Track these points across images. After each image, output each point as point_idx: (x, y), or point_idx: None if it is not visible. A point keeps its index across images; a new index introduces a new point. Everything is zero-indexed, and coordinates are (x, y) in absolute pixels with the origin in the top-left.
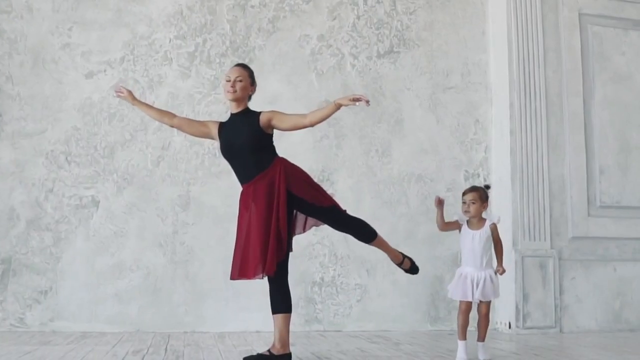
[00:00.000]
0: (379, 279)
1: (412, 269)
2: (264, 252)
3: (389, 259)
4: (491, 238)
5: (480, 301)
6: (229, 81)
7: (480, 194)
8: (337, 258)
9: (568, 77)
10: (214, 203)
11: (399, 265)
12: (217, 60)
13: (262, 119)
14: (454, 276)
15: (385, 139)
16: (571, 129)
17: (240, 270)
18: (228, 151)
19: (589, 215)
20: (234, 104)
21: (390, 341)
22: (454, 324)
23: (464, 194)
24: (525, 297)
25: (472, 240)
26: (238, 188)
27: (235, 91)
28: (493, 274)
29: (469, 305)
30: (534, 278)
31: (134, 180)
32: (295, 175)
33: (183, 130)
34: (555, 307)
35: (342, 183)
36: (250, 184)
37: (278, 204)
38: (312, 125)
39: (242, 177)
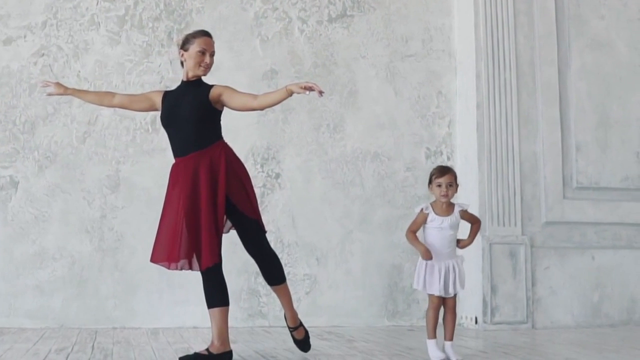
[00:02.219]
0: (330, 269)
1: (304, 343)
2: (212, 239)
3: (341, 246)
4: (458, 225)
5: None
6: (204, 54)
7: (456, 176)
8: (284, 245)
9: (541, 43)
10: (146, 184)
11: (292, 330)
12: (150, 25)
13: (214, 92)
14: (417, 266)
15: (337, 113)
16: (544, 101)
17: (170, 254)
18: (169, 119)
19: (564, 197)
20: (190, 73)
21: (343, 338)
22: (413, 319)
23: (437, 175)
24: (493, 289)
25: (442, 226)
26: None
27: (208, 67)
28: (459, 262)
29: (440, 299)
30: (503, 268)
31: (57, 158)
32: (236, 170)
33: (127, 109)
34: (527, 300)
35: (290, 162)
36: (185, 159)
37: (217, 190)
38: (260, 109)
39: (178, 150)
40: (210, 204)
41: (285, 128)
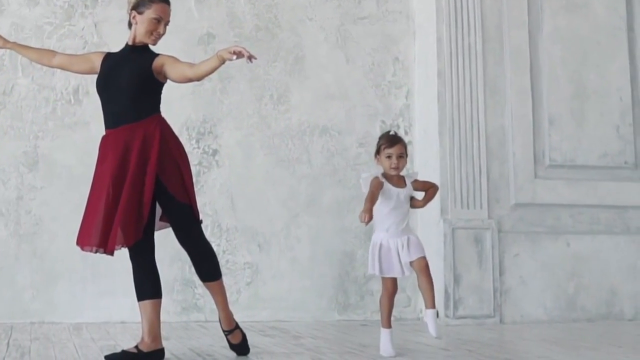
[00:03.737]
0: (274, 257)
1: (241, 347)
2: (130, 218)
3: (285, 231)
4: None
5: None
6: (159, 22)
7: (406, 146)
8: (222, 230)
9: (510, 4)
10: (68, 161)
11: (227, 334)
12: None
13: (157, 61)
14: (370, 248)
15: (281, 82)
16: (513, 69)
17: (98, 238)
18: (105, 84)
19: (535, 176)
20: (138, 38)
21: (289, 334)
22: (367, 313)
23: (387, 145)
24: (456, 279)
25: (398, 198)
26: (98, 142)
27: (159, 37)
28: (414, 235)
29: (396, 284)
30: (467, 255)
31: None
32: (171, 150)
33: (66, 70)
34: (494, 291)
35: (229, 137)
36: (116, 132)
37: (146, 168)
38: (197, 79)
39: (110, 120)
40: (137, 182)
41: (223, 99)
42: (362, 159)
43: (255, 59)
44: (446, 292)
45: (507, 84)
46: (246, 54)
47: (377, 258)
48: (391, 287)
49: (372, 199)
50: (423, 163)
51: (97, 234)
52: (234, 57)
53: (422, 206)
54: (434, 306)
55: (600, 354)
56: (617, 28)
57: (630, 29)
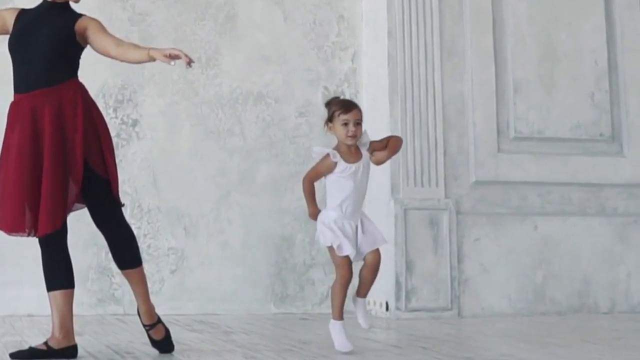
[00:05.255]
0: (201, 241)
1: (164, 343)
2: (55, 198)
3: (215, 212)
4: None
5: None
6: None
7: (361, 112)
8: (143, 211)
9: None
10: None
11: (148, 329)
12: None
13: (80, 24)
14: (321, 218)
15: (211, 43)
16: (474, 28)
17: (13, 221)
18: (18, 43)
19: (499, 150)
20: None
21: (219, 329)
22: (308, 305)
23: (342, 111)
24: (409, 267)
25: (355, 175)
26: (1, 109)
27: None
28: (365, 215)
29: (352, 269)
30: (421, 240)
31: None
32: (95, 120)
33: None
34: (452, 280)
35: (151, 105)
36: (26, 97)
37: (66, 141)
38: (118, 60)
39: (21, 84)
40: (58, 159)
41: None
42: (302, 130)
43: (194, 62)
44: (397, 281)
45: (466, 45)
46: (185, 60)
47: (337, 232)
48: (347, 273)
49: (312, 197)
50: (371, 135)
51: (25, 217)
52: (171, 62)
53: (386, 158)
54: (365, 296)
55: (572, 351)
56: None
57: None
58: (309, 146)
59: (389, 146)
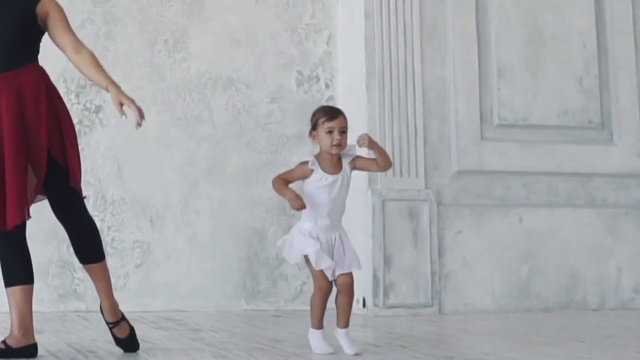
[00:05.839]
0: (168, 234)
1: (129, 342)
2: (20, 188)
3: (183, 204)
4: (350, 182)
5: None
6: None
7: (347, 119)
8: (107, 202)
9: None
10: None
11: (112, 327)
12: None
13: (42, 7)
14: (291, 234)
15: (178, 25)
16: (456, 9)
17: None
18: None
19: (482, 138)
20: None
21: (186, 326)
22: (280, 301)
23: (327, 118)
24: (387, 261)
25: (332, 187)
26: None
27: None
28: (344, 232)
29: (330, 282)
30: (400, 232)
31: None
32: (57, 107)
33: None
34: (432, 275)
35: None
36: None
37: (37, 127)
38: (73, 65)
39: None
40: (19, 144)
41: (108, 45)
42: (275, 117)
43: (141, 124)
44: (375, 276)
45: (447, 27)
46: (137, 120)
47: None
48: (325, 284)
49: (284, 186)
50: (350, 125)
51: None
52: (123, 115)
53: (376, 146)
54: (347, 325)
55: (559, 350)
56: None
57: None
58: (281, 134)
59: (380, 152)
